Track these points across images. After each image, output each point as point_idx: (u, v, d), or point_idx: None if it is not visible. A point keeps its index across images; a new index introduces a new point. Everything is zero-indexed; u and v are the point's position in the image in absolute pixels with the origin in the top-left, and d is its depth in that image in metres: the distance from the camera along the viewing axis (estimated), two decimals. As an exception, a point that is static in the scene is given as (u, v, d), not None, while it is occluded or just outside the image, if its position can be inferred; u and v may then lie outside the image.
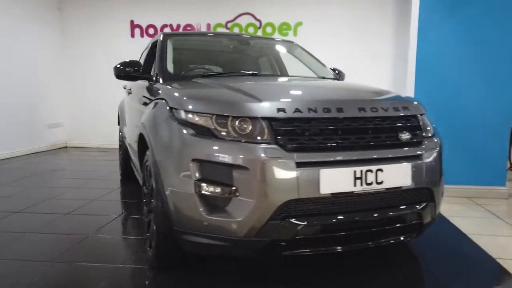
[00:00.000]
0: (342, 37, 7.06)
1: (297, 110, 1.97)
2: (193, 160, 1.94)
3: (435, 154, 2.18)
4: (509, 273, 2.37)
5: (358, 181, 1.93)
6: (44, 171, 5.61)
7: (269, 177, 1.82)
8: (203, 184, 1.92)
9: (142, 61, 4.58)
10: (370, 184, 1.95)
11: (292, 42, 3.84)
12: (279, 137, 1.90)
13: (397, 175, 2.02)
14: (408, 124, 2.17)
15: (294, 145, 1.89)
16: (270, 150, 1.85)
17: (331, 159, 1.91)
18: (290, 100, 2.07)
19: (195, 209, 1.94)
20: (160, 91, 2.52)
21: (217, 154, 1.90)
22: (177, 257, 2.30)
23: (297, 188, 1.84)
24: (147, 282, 2.24)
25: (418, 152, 2.11)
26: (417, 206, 2.12)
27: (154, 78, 2.93)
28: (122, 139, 4.60)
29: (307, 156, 1.88)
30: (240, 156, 1.86)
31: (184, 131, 2.01)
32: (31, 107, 7.20)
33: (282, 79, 3.21)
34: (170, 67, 3.02)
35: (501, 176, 4.19)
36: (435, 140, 2.26)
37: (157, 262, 2.33)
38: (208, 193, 1.92)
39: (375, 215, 2.00)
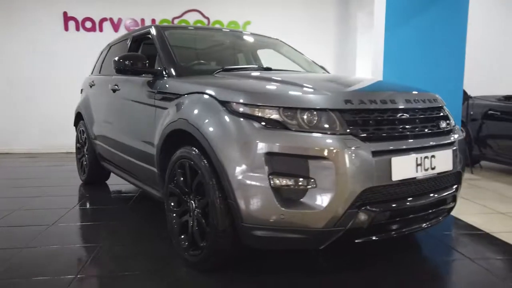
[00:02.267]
0: (289, 36, 7.26)
1: (361, 102, 2.03)
2: (267, 153, 1.89)
3: (462, 140, 2.41)
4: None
5: (419, 167, 2.06)
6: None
7: (349, 166, 1.85)
8: (279, 178, 1.89)
9: (103, 59, 4.31)
10: (427, 169, 2.10)
11: (278, 39, 3.89)
12: (351, 128, 1.94)
13: (444, 161, 2.20)
14: (441, 114, 2.37)
15: (366, 135, 1.95)
16: (349, 140, 1.89)
17: (399, 147, 2.01)
18: (353, 92, 2.13)
19: (270, 203, 1.89)
20: (194, 85, 2.40)
21: (292, 146, 1.88)
22: (232, 256, 2.22)
23: (373, 176, 1.91)
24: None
25: (453, 139, 2.32)
26: (454, 189, 2.33)
27: (164, 73, 2.77)
28: (88, 140, 4.20)
29: (380, 145, 1.95)
30: (319, 147, 1.86)
31: (254, 125, 1.94)
32: None
33: (305, 74, 3.19)
34: (181, 61, 2.87)
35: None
36: (458, 128, 2.50)
37: (208, 263, 2.21)
38: (284, 186, 1.88)
39: (431, 198, 2.15)
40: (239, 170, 1.95)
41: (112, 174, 4.34)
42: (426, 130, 2.18)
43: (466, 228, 3.03)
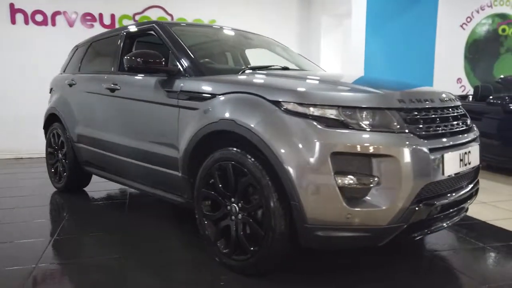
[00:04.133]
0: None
1: (411, 101, 2.10)
2: (332, 153, 1.89)
3: (479, 136, 2.59)
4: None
5: (461, 163, 2.18)
6: None
7: (412, 163, 1.91)
8: (344, 177, 1.89)
9: (81, 57, 4.00)
10: (466, 165, 2.23)
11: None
12: (408, 126, 2.00)
13: (475, 156, 2.35)
14: (462, 112, 2.53)
15: (422, 133, 2.02)
16: (410, 138, 1.94)
17: (448, 144, 2.11)
18: (403, 91, 2.19)
19: (337, 202, 1.89)
20: (232, 85, 2.32)
21: (357, 145, 1.90)
22: (283, 259, 2.17)
23: (431, 173, 1.98)
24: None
25: (476, 135, 2.48)
26: (477, 182, 2.50)
27: (184, 72, 2.64)
28: (67, 143, 3.85)
29: (433, 143, 2.03)
30: (383, 145, 1.90)
31: (317, 125, 1.92)
32: None
33: (327, 73, 3.18)
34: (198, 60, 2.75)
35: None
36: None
37: (259, 267, 2.15)
38: (349, 185, 1.89)
39: (466, 192, 2.28)
40: (303, 171, 1.92)
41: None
42: (459, 127, 2.32)
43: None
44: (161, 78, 2.76)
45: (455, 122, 2.29)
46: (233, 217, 2.24)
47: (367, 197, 1.92)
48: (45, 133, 4.37)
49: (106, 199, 3.90)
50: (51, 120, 4.19)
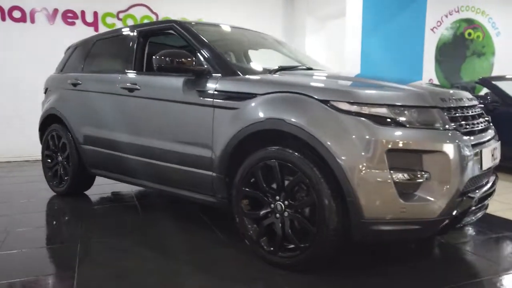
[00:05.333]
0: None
1: (450, 100, 2.23)
2: (388, 150, 1.97)
3: (496, 134, 2.78)
4: None
5: (492, 158, 2.34)
6: None
7: (460, 159, 2.03)
8: (398, 172, 1.98)
9: (84, 56, 3.89)
10: (494, 160, 2.39)
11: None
12: (452, 124, 2.12)
13: (498, 152, 2.52)
14: (482, 111, 2.69)
15: (463, 130, 2.15)
16: (456, 135, 2.07)
17: (483, 140, 2.26)
18: (442, 91, 2.31)
19: (392, 197, 1.97)
20: (275, 85, 2.35)
21: (410, 142, 1.99)
22: (335, 253, 2.23)
23: (474, 167, 2.12)
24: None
25: (495, 132, 2.66)
26: (496, 179, 2.67)
27: (215, 72, 2.64)
28: (70, 145, 3.72)
29: (473, 139, 2.17)
30: (434, 142, 2.01)
31: (371, 123, 2.00)
32: None
33: (354, 72, 3.27)
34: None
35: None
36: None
37: (310, 263, 2.20)
38: (403, 180, 1.99)
39: (490, 188, 2.42)
40: (359, 168, 1.99)
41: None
42: (484, 124, 2.47)
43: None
44: (189, 78, 2.73)
45: (480, 120, 2.45)
46: (277, 215, 2.28)
47: (418, 192, 2.02)
48: (41, 135, 4.18)
49: (113, 202, 3.80)
50: (49, 121, 4.01)
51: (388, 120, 2.03)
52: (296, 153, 2.17)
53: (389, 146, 1.97)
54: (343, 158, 2.01)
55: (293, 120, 2.16)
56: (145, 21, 6.71)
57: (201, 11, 6.98)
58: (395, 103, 2.07)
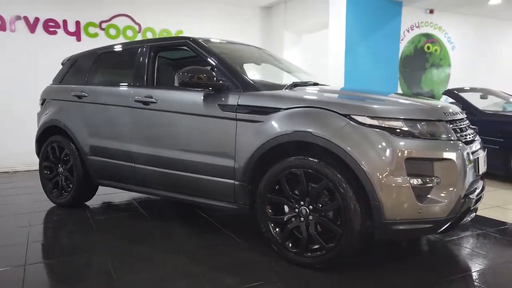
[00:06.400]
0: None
1: (450, 114, 2.56)
2: (406, 158, 2.26)
3: (479, 143, 3.16)
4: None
5: (484, 164, 2.71)
6: None
7: (465, 165, 2.37)
8: (415, 178, 2.28)
9: (88, 68, 3.94)
10: (484, 166, 2.75)
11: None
12: (456, 135, 2.45)
13: (485, 159, 2.88)
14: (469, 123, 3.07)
15: (463, 140, 2.49)
16: (460, 145, 2.40)
17: (477, 148, 2.62)
18: (442, 106, 2.64)
19: (411, 200, 2.26)
20: (297, 100, 2.60)
21: (424, 151, 2.30)
22: (359, 252, 2.48)
23: (473, 172, 2.47)
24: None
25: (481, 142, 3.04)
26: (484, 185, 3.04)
27: (235, 87, 2.85)
28: (74, 156, 3.76)
29: (471, 147, 2.52)
30: (444, 151, 2.33)
31: (390, 135, 2.29)
32: None
33: (358, 87, 3.52)
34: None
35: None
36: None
37: (334, 262, 2.44)
38: (419, 185, 2.28)
39: (480, 192, 2.76)
40: (382, 174, 2.26)
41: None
42: (473, 135, 2.84)
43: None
44: (209, 92, 2.91)
45: (470, 131, 2.81)
46: (302, 219, 2.51)
47: (431, 194, 2.32)
48: (38, 147, 4.16)
49: (118, 211, 3.86)
50: (49, 132, 4.02)
51: (404, 132, 2.32)
52: (322, 162, 2.41)
53: (407, 155, 2.26)
54: (368, 165, 2.28)
55: (319, 132, 2.41)
56: (128, 31, 6.75)
57: (182, 23, 7.13)
58: (409, 117, 2.37)
